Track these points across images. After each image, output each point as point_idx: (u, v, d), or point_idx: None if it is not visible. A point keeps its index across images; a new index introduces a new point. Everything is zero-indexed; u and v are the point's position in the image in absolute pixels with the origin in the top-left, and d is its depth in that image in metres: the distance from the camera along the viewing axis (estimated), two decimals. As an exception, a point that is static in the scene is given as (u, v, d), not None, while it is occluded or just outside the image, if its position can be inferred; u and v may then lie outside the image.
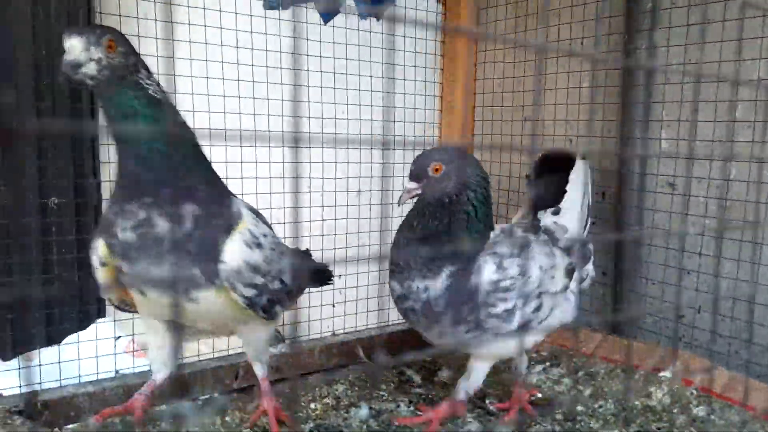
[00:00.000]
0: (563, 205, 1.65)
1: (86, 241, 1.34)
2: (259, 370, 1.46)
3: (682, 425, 1.52)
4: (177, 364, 1.46)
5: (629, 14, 1.95)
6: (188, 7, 1.74)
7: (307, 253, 1.74)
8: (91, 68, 1.07)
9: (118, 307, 1.39)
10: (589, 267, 1.68)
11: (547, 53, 2.15)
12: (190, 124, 1.24)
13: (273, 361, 1.70)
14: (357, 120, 2.16)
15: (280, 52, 1.93)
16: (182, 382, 1.66)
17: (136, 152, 1.12)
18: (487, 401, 1.73)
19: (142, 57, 1.16)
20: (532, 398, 1.73)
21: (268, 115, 1.92)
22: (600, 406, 1.67)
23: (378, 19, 2.32)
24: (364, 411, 1.65)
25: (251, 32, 1.87)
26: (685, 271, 1.88)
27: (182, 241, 1.13)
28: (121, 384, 1.64)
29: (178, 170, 1.13)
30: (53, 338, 1.85)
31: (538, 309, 1.43)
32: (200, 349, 1.94)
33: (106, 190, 1.87)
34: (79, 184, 1.90)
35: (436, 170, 1.35)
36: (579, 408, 1.67)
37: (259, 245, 1.22)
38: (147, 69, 1.16)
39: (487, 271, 1.36)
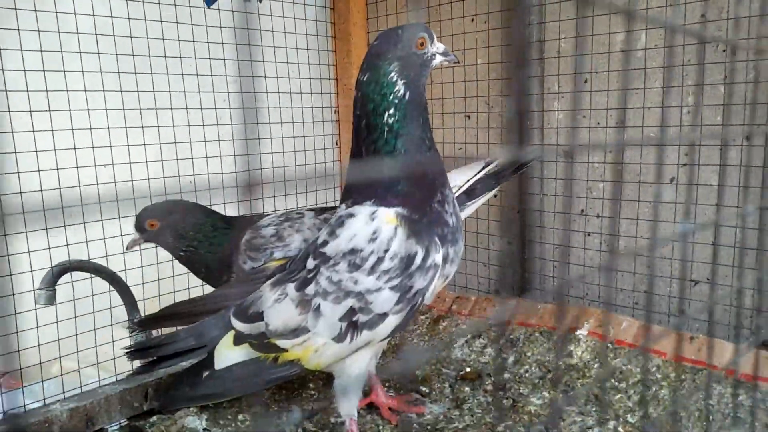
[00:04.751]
0: None
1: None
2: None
3: (604, 378, 1.62)
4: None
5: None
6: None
7: None
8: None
9: None
10: None
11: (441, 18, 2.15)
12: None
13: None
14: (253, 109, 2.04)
15: (162, 39, 1.76)
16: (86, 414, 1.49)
17: None
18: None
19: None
20: (461, 372, 1.76)
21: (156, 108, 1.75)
22: (526, 371, 1.73)
23: (260, 1, 2.19)
24: (296, 414, 1.58)
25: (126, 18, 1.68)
26: (586, 233, 2.00)
27: None
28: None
29: None
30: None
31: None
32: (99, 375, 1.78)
33: None
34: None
35: (152, 226, 1.55)
36: (506, 376, 1.72)
37: None
38: None
39: (246, 235, 1.59)
